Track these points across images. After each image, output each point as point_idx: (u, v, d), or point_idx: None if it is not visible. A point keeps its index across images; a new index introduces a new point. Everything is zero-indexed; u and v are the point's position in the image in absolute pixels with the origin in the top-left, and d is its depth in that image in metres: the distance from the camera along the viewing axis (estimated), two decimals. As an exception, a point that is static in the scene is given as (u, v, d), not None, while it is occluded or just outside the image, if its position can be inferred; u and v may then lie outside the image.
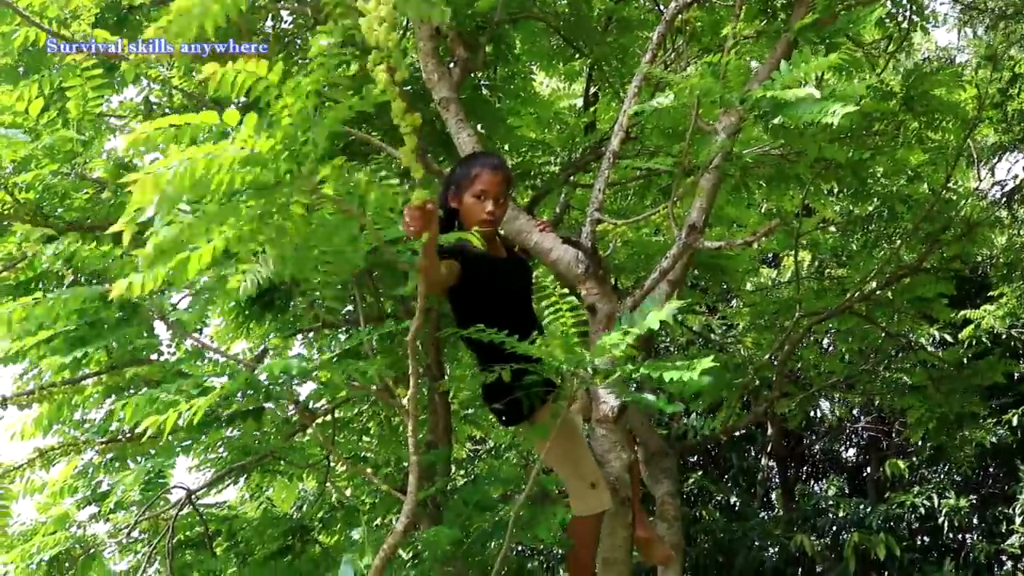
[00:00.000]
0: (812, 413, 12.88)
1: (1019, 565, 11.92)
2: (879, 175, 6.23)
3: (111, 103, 5.13)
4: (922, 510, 11.93)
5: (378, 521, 6.10)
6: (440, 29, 4.54)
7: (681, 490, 10.04)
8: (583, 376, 2.81)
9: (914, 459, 12.93)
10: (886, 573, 12.18)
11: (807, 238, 7.63)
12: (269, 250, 2.19)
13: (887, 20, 5.12)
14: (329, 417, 5.24)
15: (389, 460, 6.31)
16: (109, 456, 4.55)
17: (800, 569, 12.78)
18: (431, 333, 4.82)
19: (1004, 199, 9.17)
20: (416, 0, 1.88)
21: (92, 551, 4.69)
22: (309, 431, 5.07)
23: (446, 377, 5.79)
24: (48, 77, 3.67)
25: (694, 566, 11.80)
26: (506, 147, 5.93)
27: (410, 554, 4.47)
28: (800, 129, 3.97)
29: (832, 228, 7.91)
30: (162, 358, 3.38)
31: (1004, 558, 12.10)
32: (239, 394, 2.97)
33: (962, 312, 9.23)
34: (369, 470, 5.85)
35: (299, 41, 5.08)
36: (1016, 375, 10.25)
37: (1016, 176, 9.56)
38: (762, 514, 13.54)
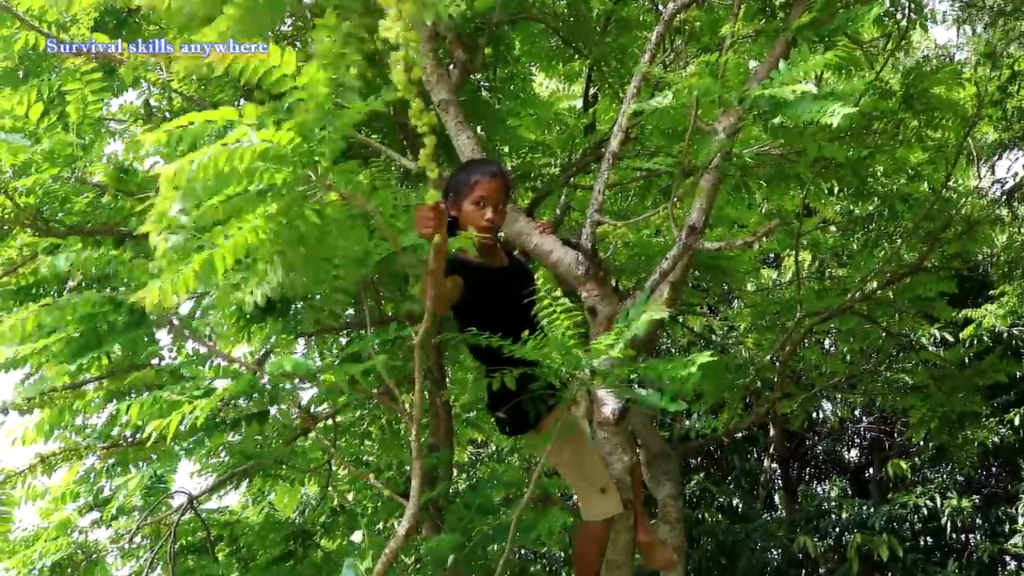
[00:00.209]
0: (814, 414, 12.88)
1: (1023, 565, 11.91)
2: (879, 174, 6.23)
3: (111, 107, 5.14)
4: (925, 511, 11.91)
5: (380, 525, 6.10)
6: (439, 31, 4.54)
7: (683, 492, 10.02)
8: (582, 378, 2.81)
9: (916, 459, 12.92)
10: (889, 574, 12.16)
11: (807, 238, 7.64)
12: (280, 259, 2.19)
13: (886, 18, 5.12)
14: (331, 421, 5.24)
15: (391, 464, 6.31)
16: (111, 461, 4.55)
17: (803, 571, 12.77)
18: (432, 336, 4.82)
19: (1004, 197, 9.15)
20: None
21: (94, 557, 4.69)
22: (311, 435, 5.08)
23: (447, 380, 5.79)
24: (48, 81, 3.68)
25: (697, 568, 11.78)
26: (506, 149, 5.94)
27: (412, 558, 4.47)
28: (800, 128, 3.97)
29: (832, 228, 7.92)
30: (163, 363, 3.38)
31: (1008, 558, 12.09)
32: (243, 398, 2.98)
33: (963, 311, 9.23)
34: (371, 475, 5.85)
35: (298, 44, 5.08)
36: (1018, 374, 10.26)
37: (1016, 174, 9.54)
38: (765, 516, 13.52)
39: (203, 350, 2.73)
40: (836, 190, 6.95)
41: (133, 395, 3.72)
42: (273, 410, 3.09)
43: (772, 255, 10.97)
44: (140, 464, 4.50)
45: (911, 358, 7.84)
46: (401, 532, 2.50)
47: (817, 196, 6.71)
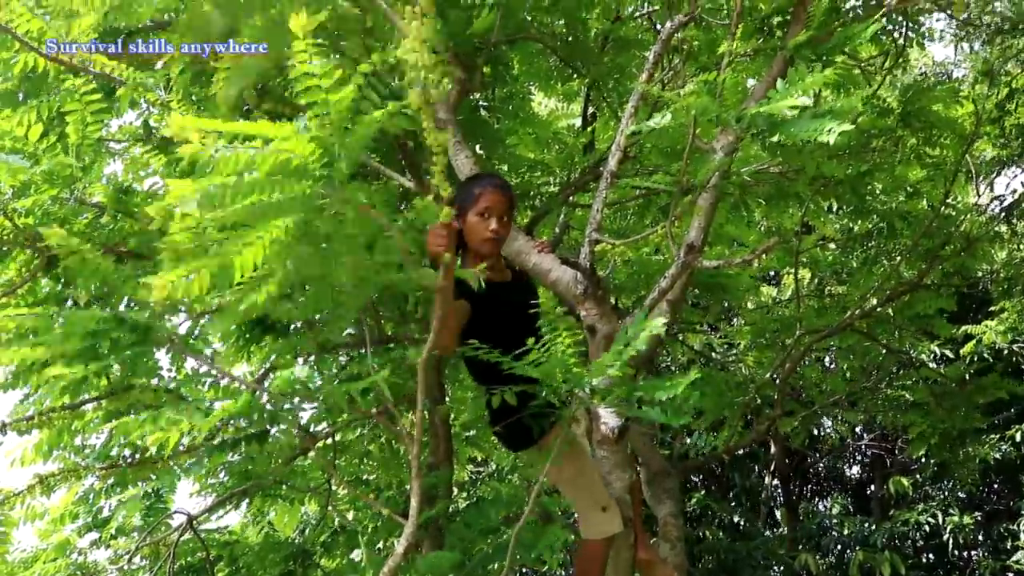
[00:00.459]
0: (815, 431, 12.87)
1: (1025, 582, 11.88)
2: (878, 192, 6.24)
3: (110, 127, 5.14)
4: (927, 527, 11.88)
5: (380, 545, 6.09)
6: (437, 50, 4.55)
7: (684, 510, 10.00)
8: (582, 396, 2.81)
9: (918, 476, 12.89)
10: (891, 591, 12.12)
11: (807, 256, 7.64)
12: (293, 269, 2.20)
13: (883, 36, 5.13)
14: (330, 440, 5.23)
15: (391, 483, 6.30)
16: (110, 482, 4.54)
17: (805, 588, 12.73)
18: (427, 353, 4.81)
19: (1003, 214, 9.16)
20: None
21: (93, 577, 4.68)
22: (311, 455, 5.07)
23: (447, 399, 5.78)
24: (47, 102, 3.69)
25: (698, 586, 11.76)
26: (505, 167, 5.94)
27: (412, 577, 4.46)
28: (798, 146, 3.98)
29: (832, 245, 7.92)
30: (162, 383, 3.38)
31: (1010, 575, 12.04)
32: (243, 418, 2.97)
33: (963, 328, 9.22)
34: (371, 495, 5.83)
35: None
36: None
37: (1015, 191, 9.54)
38: (766, 533, 13.48)
39: (203, 368, 2.74)
40: (835, 208, 6.96)
41: (133, 415, 3.72)
42: (274, 430, 3.09)
43: (771, 273, 10.97)
44: (139, 484, 4.50)
45: (911, 375, 7.84)
46: (399, 550, 2.49)
47: (816, 214, 6.72)
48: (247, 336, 4.46)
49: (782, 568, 12.22)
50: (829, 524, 13.10)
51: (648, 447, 6.37)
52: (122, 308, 2.73)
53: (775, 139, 3.32)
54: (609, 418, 3.46)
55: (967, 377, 8.08)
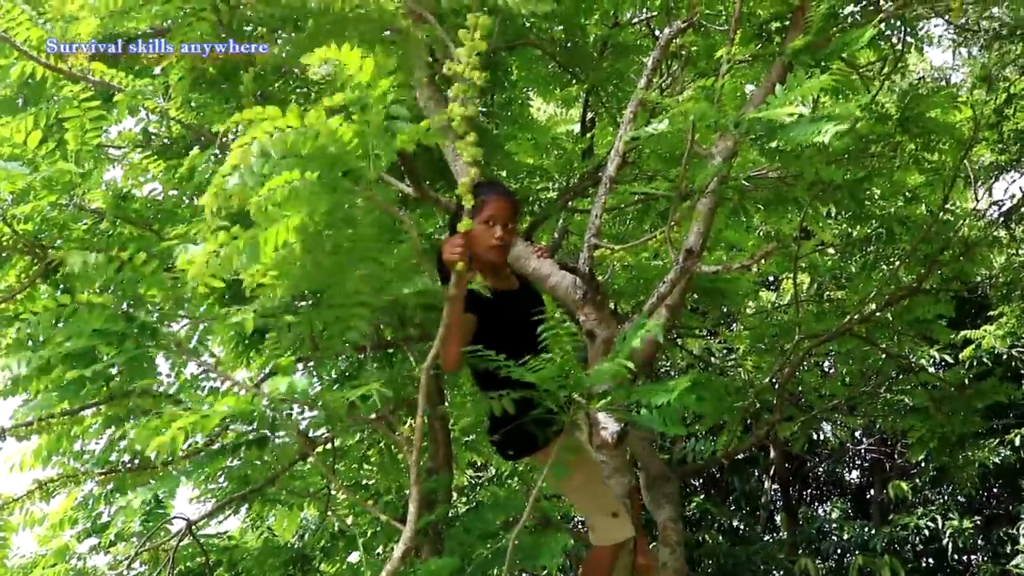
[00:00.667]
0: (814, 436, 12.86)
1: (1025, 586, 11.87)
2: (876, 197, 6.24)
3: (109, 134, 5.15)
4: (926, 532, 11.89)
5: (379, 550, 6.08)
6: (436, 56, 4.55)
7: (684, 514, 9.99)
8: (580, 402, 2.81)
9: (917, 480, 12.90)
10: (891, 596, 12.12)
11: (806, 261, 7.64)
12: (312, 261, 2.24)
13: (881, 42, 5.14)
14: (329, 445, 5.23)
15: (390, 488, 6.29)
16: (109, 487, 4.54)
17: (805, 593, 12.72)
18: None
19: (1002, 219, 9.17)
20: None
21: (92, 583, 4.68)
22: (310, 460, 5.07)
23: (446, 403, 5.78)
24: (46, 109, 3.69)
25: (698, 591, 11.75)
26: (504, 173, 5.95)
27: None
28: (797, 151, 3.98)
29: (831, 250, 7.92)
30: (161, 388, 3.38)
31: (1009, 579, 12.06)
32: (242, 422, 2.97)
33: (962, 333, 9.23)
34: (370, 500, 5.83)
35: (296, 70, 5.09)
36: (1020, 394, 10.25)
37: (1013, 196, 9.56)
38: (766, 537, 13.49)
39: (202, 373, 2.74)
40: (834, 213, 6.96)
41: (132, 420, 3.73)
42: (277, 440, 3.10)
43: (770, 278, 10.98)
44: (139, 489, 4.50)
45: (911, 380, 7.83)
46: (397, 554, 2.49)
47: (815, 219, 6.72)
48: (245, 342, 4.46)
49: (782, 572, 12.22)
50: (829, 528, 13.12)
51: (647, 451, 6.36)
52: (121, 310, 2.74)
53: (773, 144, 3.33)
54: (608, 423, 3.46)
55: (966, 382, 8.07)
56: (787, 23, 4.37)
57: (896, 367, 7.88)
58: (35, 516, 4.45)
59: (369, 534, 6.10)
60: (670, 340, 7.95)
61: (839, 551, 12.83)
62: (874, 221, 6.54)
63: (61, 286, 3.84)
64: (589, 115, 6.64)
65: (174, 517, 4.81)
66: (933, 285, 6.73)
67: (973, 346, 9.35)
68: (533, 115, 6.42)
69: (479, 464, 10.19)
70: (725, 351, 9.88)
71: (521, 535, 3.00)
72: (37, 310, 2.37)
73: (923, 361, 8.47)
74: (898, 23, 4.98)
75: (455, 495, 7.08)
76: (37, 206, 3.49)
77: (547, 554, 3.48)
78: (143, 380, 2.77)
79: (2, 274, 3.85)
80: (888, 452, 13.82)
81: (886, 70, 5.49)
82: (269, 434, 2.99)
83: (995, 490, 13.24)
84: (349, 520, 6.35)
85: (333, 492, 5.47)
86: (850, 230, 7.32)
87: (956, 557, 12.46)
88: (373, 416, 3.00)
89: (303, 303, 2.67)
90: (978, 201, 8.68)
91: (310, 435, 3.22)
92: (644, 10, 6.19)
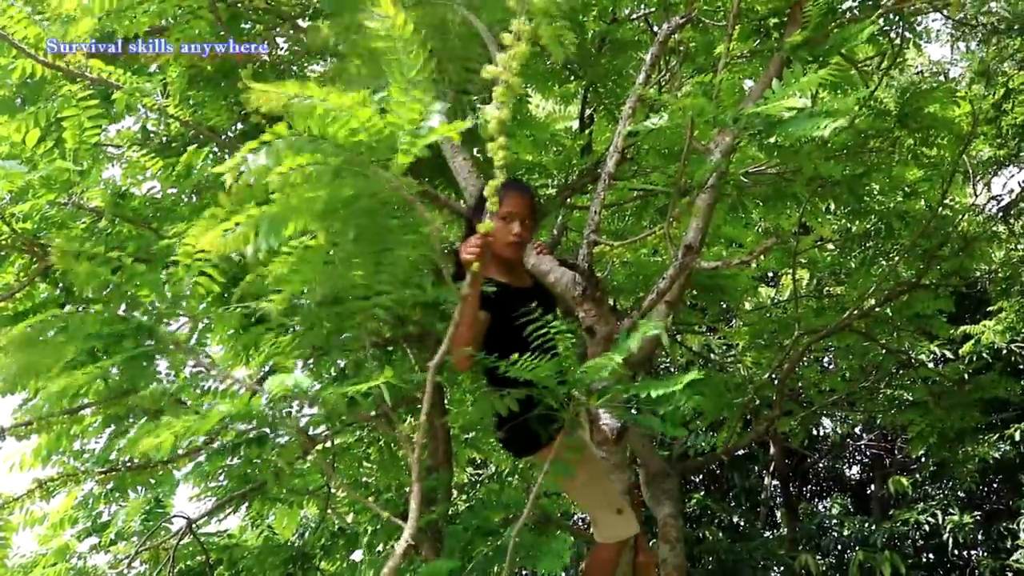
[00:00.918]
0: (814, 431, 12.86)
1: (1025, 581, 11.88)
2: (875, 192, 6.24)
3: (108, 132, 5.14)
4: (926, 527, 11.88)
5: (379, 548, 6.08)
6: (432, 52, 4.54)
7: (683, 511, 10.00)
8: (580, 398, 2.81)
9: (917, 476, 12.90)
10: (892, 591, 12.13)
11: (805, 256, 7.64)
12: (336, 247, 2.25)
13: (880, 37, 5.14)
14: (329, 443, 5.23)
15: (390, 486, 6.29)
16: (109, 486, 4.54)
17: (805, 589, 12.74)
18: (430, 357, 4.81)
19: (1000, 214, 9.17)
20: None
21: (93, 582, 4.68)
22: (310, 458, 5.07)
23: (445, 401, 5.78)
24: (45, 108, 3.69)
25: (698, 587, 11.76)
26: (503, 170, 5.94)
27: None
28: (795, 147, 3.98)
29: (830, 246, 7.92)
30: (160, 387, 3.38)
31: (1009, 574, 12.05)
32: (242, 422, 2.97)
33: (962, 328, 9.23)
34: (370, 498, 5.83)
35: (295, 68, 5.10)
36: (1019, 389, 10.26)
37: (1012, 191, 9.55)
38: (766, 534, 13.49)
39: (202, 372, 2.74)
40: (833, 208, 6.96)
41: (132, 420, 3.72)
42: (280, 440, 3.10)
43: (770, 273, 10.97)
44: (139, 489, 4.50)
45: (910, 375, 7.84)
46: (399, 551, 2.48)
47: (814, 214, 6.73)
48: (244, 342, 4.45)
49: (782, 568, 12.22)
50: (829, 524, 13.11)
51: (647, 448, 6.37)
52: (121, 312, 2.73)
53: (772, 140, 3.33)
54: (608, 419, 3.46)
55: (966, 377, 8.08)
56: (785, 19, 4.36)
57: (896, 362, 7.89)
58: (35, 515, 4.46)
59: (369, 532, 6.10)
60: (669, 336, 7.95)
61: (839, 547, 12.83)
62: (873, 216, 6.55)
63: (60, 284, 3.84)
64: (588, 111, 6.63)
65: (174, 516, 4.81)
66: (932, 280, 6.73)
67: (972, 341, 9.35)
68: (531, 111, 6.41)
69: (479, 462, 10.20)
70: (725, 347, 9.89)
71: (522, 533, 3.00)
72: (36, 319, 2.37)
73: (922, 356, 8.47)
74: (896, 18, 4.98)
75: (455, 493, 7.08)
76: (36, 204, 3.49)
77: (550, 557, 3.43)
78: (143, 380, 2.77)
79: (1, 273, 3.84)
80: (888, 447, 13.82)
81: (884, 65, 5.48)
82: (269, 432, 2.99)
83: (995, 485, 13.24)
84: (349, 518, 6.36)
85: (333, 490, 5.47)
86: (849, 225, 7.33)
87: (956, 552, 12.46)
88: (373, 413, 3.00)
89: (310, 300, 2.66)
90: (977, 196, 8.66)
91: (310, 433, 3.22)
92: (642, 6, 6.18)
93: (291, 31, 4.98)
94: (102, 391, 3.33)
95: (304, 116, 1.90)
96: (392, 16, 1.94)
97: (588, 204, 5.13)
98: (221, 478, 5.05)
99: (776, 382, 6.82)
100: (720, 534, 12.49)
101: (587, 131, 6.47)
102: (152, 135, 5.12)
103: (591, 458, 3.48)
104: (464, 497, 8.22)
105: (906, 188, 6.43)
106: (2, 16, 3.46)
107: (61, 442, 3.64)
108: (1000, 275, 9.44)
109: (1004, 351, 9.84)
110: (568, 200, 6.17)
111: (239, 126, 5.03)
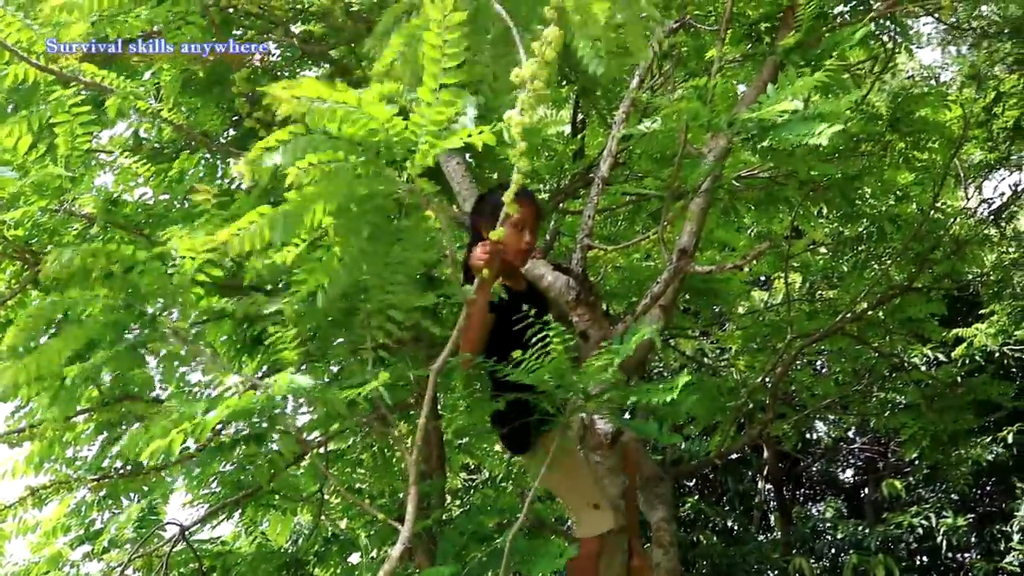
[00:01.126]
0: (808, 435, 12.88)
1: (1018, 584, 11.89)
2: (867, 196, 6.25)
3: (100, 139, 5.12)
4: (920, 530, 11.90)
5: (374, 553, 6.06)
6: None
7: (677, 515, 9.99)
8: (575, 403, 2.81)
9: (911, 479, 12.92)
10: (885, 594, 12.14)
11: (797, 260, 7.64)
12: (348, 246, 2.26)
13: (872, 41, 5.15)
14: (322, 449, 5.21)
15: (383, 492, 6.27)
16: (102, 493, 4.52)
17: (799, 592, 12.74)
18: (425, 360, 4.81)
19: (992, 217, 9.19)
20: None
21: (86, 590, 4.66)
22: (303, 463, 5.05)
23: (439, 406, 5.77)
24: (37, 114, 3.67)
25: (693, 591, 11.76)
26: (495, 175, 5.94)
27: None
28: (788, 150, 3.99)
29: (822, 249, 7.93)
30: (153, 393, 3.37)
31: None
32: (240, 421, 2.96)
33: (954, 331, 9.25)
34: (365, 501, 5.82)
35: (287, 73, 5.09)
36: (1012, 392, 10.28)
37: (1003, 194, 9.59)
38: (760, 537, 13.49)
39: (196, 377, 2.73)
40: (825, 212, 6.97)
41: (124, 426, 3.71)
42: (272, 444, 3.09)
43: (762, 277, 10.98)
44: (132, 496, 4.48)
45: (903, 378, 7.84)
46: (395, 554, 2.48)
47: (806, 218, 6.73)
48: (238, 347, 4.44)
49: (776, 572, 12.22)
50: (823, 528, 13.13)
51: (641, 453, 6.35)
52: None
53: (765, 143, 3.33)
54: (602, 424, 3.46)
55: (959, 380, 8.09)
56: (777, 23, 4.37)
57: (888, 366, 7.89)
58: (27, 523, 4.43)
59: (363, 537, 6.08)
60: (663, 340, 7.94)
61: (833, 550, 12.84)
62: (865, 220, 6.55)
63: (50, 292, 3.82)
64: (580, 116, 6.63)
65: (167, 523, 4.78)
66: (924, 283, 6.74)
67: (965, 344, 9.38)
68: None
69: (472, 467, 10.18)
70: (718, 351, 9.89)
71: (516, 538, 2.99)
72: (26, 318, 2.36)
73: (915, 359, 8.48)
74: (888, 22, 4.99)
75: (449, 498, 7.07)
76: (27, 211, 3.47)
77: (545, 562, 3.42)
78: (136, 370, 2.76)
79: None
80: (881, 451, 13.84)
81: (876, 69, 5.49)
82: (265, 426, 2.98)
83: (988, 488, 13.26)
84: (342, 524, 6.34)
85: (326, 496, 5.46)
86: (841, 229, 7.34)
87: (950, 555, 12.48)
88: (369, 416, 3.00)
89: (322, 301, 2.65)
90: (968, 199, 8.68)
91: (304, 437, 3.21)
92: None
93: (284, 36, 4.97)
94: (95, 397, 3.33)
95: (323, 116, 1.89)
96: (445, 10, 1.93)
97: (580, 209, 5.13)
98: (214, 485, 5.03)
99: (769, 386, 6.82)
100: (714, 538, 12.51)
101: (579, 136, 6.46)
102: (144, 141, 5.11)
103: (570, 454, 3.48)
104: (458, 502, 8.21)
105: (898, 192, 6.44)
106: (-2, 21, 3.45)
107: (53, 449, 3.63)
108: (992, 278, 9.45)
109: (996, 354, 9.86)
110: (561, 205, 6.17)
111: (231, 132, 5.03)
